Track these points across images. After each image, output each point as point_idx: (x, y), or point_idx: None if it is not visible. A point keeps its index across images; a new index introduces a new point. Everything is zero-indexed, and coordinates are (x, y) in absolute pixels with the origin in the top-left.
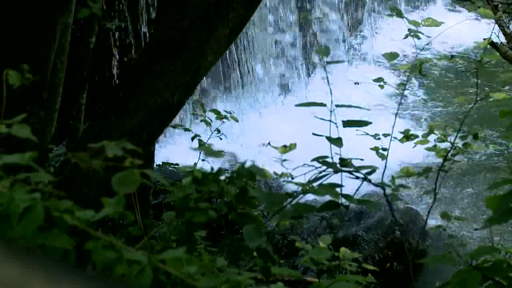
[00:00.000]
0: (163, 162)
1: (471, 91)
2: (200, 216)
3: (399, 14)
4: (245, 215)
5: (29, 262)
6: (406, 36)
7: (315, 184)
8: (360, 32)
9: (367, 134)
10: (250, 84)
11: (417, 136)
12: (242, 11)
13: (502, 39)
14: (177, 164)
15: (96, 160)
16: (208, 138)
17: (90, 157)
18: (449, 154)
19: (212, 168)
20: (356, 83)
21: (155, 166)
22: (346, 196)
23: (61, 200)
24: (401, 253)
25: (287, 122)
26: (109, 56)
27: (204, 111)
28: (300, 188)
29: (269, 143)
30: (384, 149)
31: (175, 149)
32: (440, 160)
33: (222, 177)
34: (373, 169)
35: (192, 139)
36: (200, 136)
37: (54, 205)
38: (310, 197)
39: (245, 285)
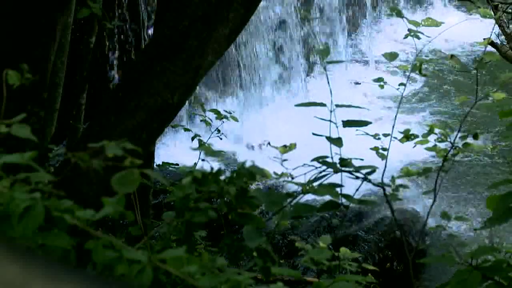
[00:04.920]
0: (163, 162)
1: (470, 90)
2: (200, 216)
3: (399, 14)
4: (245, 215)
5: (29, 262)
6: (406, 36)
7: (315, 184)
8: (361, 32)
9: (367, 134)
10: (250, 83)
11: (417, 136)
12: (242, 11)
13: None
14: (177, 164)
15: (96, 160)
16: (208, 138)
17: (90, 157)
18: (449, 154)
19: (212, 168)
20: (356, 83)
21: (155, 166)
22: (346, 196)
23: (61, 200)
24: (401, 253)
25: (287, 122)
26: (109, 56)
27: (204, 111)
28: (300, 188)
29: (269, 143)
30: (384, 149)
31: (175, 149)
32: (440, 160)
33: (222, 177)
34: (373, 169)
35: (192, 139)
36: (200, 136)
37: (54, 205)
38: (310, 197)
39: (245, 285)
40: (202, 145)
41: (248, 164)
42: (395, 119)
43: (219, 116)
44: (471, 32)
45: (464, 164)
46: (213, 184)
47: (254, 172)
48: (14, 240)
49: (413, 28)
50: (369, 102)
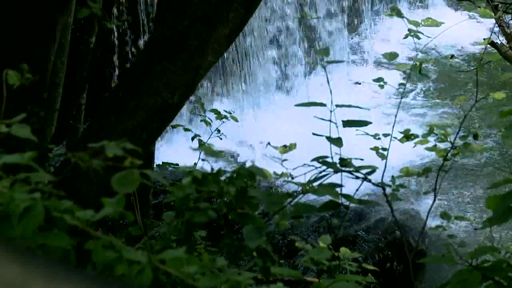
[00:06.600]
0: (163, 162)
1: (471, 90)
2: (200, 216)
3: (399, 14)
4: (245, 215)
5: (29, 262)
6: (406, 36)
7: (315, 184)
8: (361, 31)
9: (367, 134)
10: (250, 84)
11: (417, 136)
12: (242, 11)
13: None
14: (177, 164)
15: (96, 160)
16: (208, 138)
17: (90, 157)
18: (449, 154)
19: (212, 168)
20: (356, 83)
21: (155, 166)
22: (346, 196)
23: (61, 200)
24: (401, 253)
25: (287, 122)
26: (109, 56)
27: (204, 111)
28: (300, 188)
29: (269, 143)
30: (384, 149)
31: (175, 149)
32: (440, 160)
33: (222, 177)
34: (373, 169)
35: (192, 139)
36: (200, 136)
37: (54, 205)
38: (310, 197)
39: (245, 285)
40: (202, 145)
41: (248, 164)
42: (395, 119)
43: (219, 116)
44: (471, 32)
45: (464, 164)
46: (213, 184)
47: (254, 172)
48: (14, 240)
49: (413, 28)
50: (369, 102)
